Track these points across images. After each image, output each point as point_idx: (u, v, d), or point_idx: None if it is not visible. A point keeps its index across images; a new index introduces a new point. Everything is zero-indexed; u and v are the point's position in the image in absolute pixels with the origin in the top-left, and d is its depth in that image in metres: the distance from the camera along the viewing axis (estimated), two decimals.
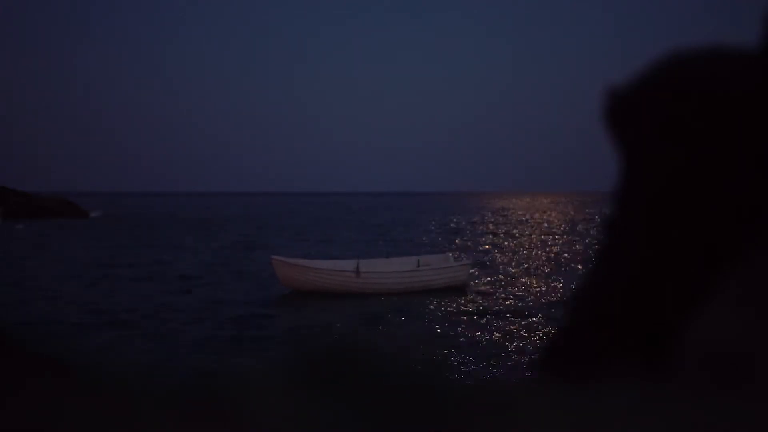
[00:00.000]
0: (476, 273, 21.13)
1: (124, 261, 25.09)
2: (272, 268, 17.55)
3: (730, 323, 0.79)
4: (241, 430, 0.60)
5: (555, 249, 31.36)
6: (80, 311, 14.96)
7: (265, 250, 28.89)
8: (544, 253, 29.38)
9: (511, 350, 11.86)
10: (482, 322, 14.26)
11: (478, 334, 13.11)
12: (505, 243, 35.28)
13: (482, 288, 18.69)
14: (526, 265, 24.71)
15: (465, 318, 14.63)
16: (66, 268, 22.78)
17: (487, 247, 32.48)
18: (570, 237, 39.15)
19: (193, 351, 11.47)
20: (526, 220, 61.71)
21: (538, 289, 18.69)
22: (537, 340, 12.52)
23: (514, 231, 45.41)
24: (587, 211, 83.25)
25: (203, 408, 0.63)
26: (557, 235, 41.16)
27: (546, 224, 53.97)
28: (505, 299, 17.06)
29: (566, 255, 28.41)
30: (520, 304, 16.31)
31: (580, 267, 23.66)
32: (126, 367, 0.69)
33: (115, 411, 0.61)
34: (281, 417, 0.62)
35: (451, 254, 19.28)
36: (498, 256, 28.15)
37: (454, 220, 61.07)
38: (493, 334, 13.11)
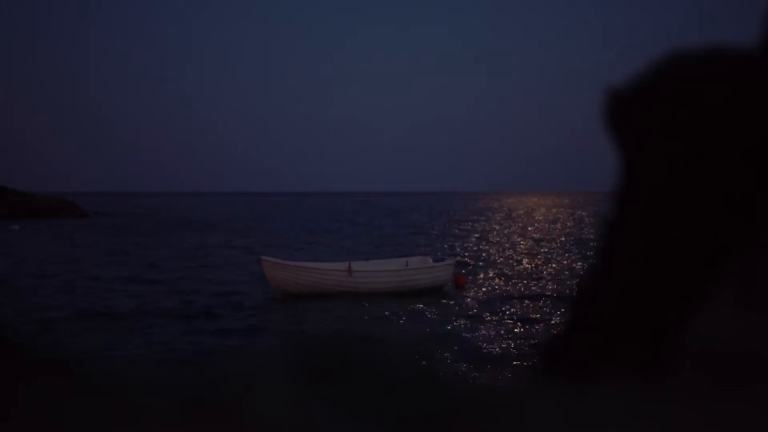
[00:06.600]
0: (466, 273, 21.02)
1: (110, 260, 25.04)
2: (262, 269, 17.25)
3: (730, 323, 0.79)
4: (241, 430, 0.60)
5: (546, 249, 31.30)
6: (72, 311, 14.93)
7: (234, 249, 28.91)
8: (535, 253, 29.33)
9: (508, 350, 11.85)
10: (477, 322, 14.24)
11: (474, 333, 13.10)
12: (497, 243, 35.22)
13: (472, 288, 18.71)
14: (517, 265, 24.68)
15: (459, 318, 14.62)
16: (48, 267, 22.74)
17: (476, 247, 32.42)
18: (562, 237, 39.07)
19: (192, 351, 11.46)
20: (518, 219, 61.59)
21: (530, 289, 18.67)
22: (532, 339, 12.51)
23: (506, 231, 45.31)
24: (578, 210, 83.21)
25: (203, 408, 0.63)
26: (549, 234, 41.07)
27: (538, 224, 53.93)
28: (498, 299, 17.04)
29: (558, 255, 28.36)
30: (512, 304, 16.30)
31: (574, 267, 23.62)
32: (125, 367, 0.69)
33: (115, 411, 0.61)
34: (281, 416, 0.62)
35: (430, 257, 19.68)
36: (491, 256, 28.11)
37: (439, 219, 60.93)
38: (489, 334, 13.10)
